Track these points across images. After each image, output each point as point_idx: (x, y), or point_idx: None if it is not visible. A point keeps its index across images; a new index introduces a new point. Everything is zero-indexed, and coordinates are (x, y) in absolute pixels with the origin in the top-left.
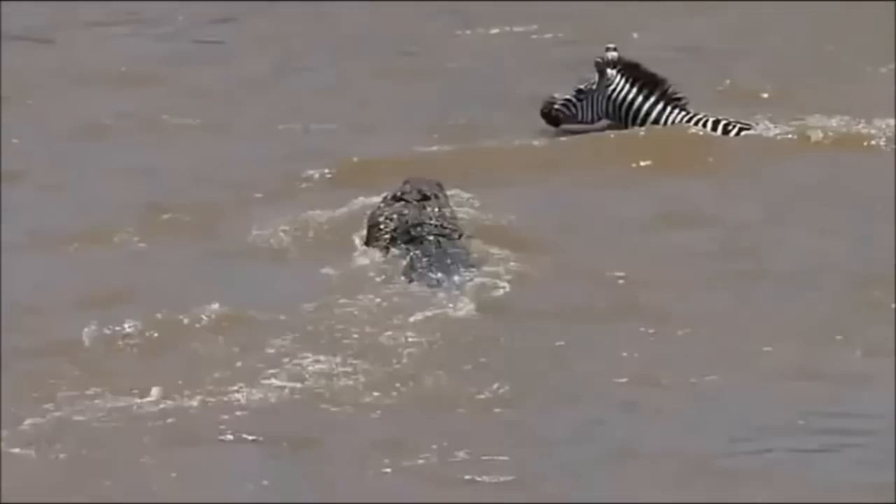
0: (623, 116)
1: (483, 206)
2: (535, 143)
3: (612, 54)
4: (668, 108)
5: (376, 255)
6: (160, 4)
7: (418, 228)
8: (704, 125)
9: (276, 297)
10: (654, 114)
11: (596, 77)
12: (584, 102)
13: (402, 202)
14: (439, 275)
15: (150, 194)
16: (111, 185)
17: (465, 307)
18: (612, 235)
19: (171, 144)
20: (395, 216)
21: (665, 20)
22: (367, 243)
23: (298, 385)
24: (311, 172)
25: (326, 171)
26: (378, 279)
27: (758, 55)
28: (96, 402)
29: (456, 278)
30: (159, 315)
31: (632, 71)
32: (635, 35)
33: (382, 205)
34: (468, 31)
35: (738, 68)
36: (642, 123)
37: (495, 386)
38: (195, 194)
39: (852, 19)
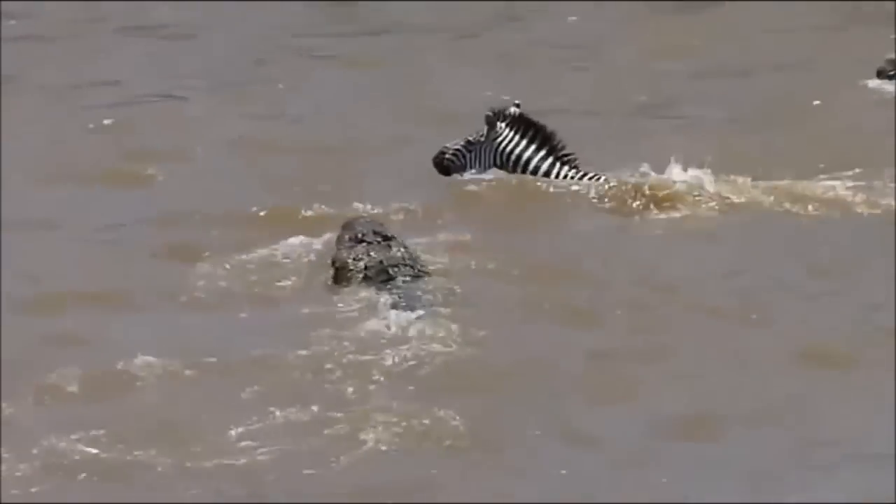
0: (512, 168)
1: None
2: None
3: (513, 109)
4: (558, 164)
5: (351, 294)
6: None
7: (394, 269)
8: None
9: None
10: (543, 167)
11: (485, 129)
12: (473, 154)
13: (366, 243)
14: (420, 312)
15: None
16: None
17: (448, 343)
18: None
19: None
20: (363, 257)
21: None
22: (336, 283)
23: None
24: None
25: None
26: (357, 318)
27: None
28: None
29: (435, 316)
30: (118, 365)
31: (521, 124)
32: None
33: (345, 246)
34: None
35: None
36: (533, 174)
37: (482, 426)
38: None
39: None
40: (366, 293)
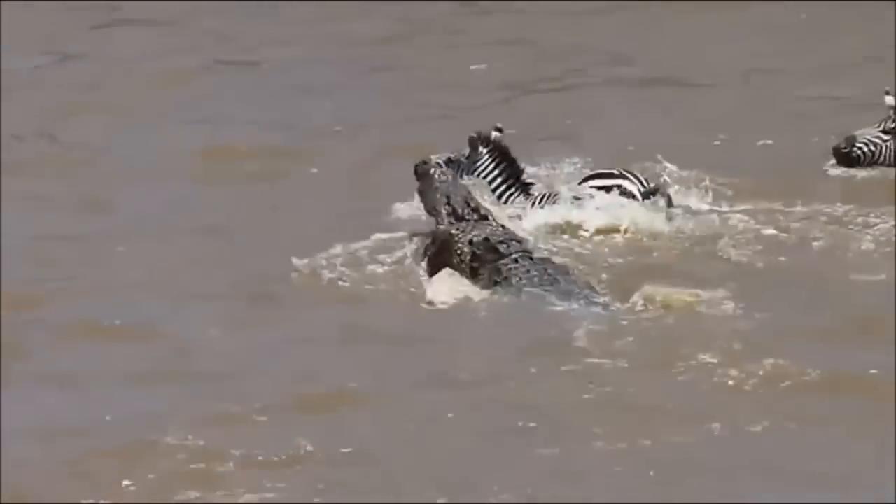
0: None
1: None
2: None
3: (495, 134)
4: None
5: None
6: None
7: (503, 245)
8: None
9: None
10: (505, 195)
11: (468, 150)
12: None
13: (465, 220)
14: (559, 295)
15: None
16: None
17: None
18: None
19: None
20: (468, 231)
21: None
22: (445, 266)
23: None
24: None
25: None
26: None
27: None
28: None
29: (580, 300)
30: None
31: (500, 155)
32: None
33: (442, 226)
34: None
35: None
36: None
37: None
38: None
39: None
40: (473, 275)
